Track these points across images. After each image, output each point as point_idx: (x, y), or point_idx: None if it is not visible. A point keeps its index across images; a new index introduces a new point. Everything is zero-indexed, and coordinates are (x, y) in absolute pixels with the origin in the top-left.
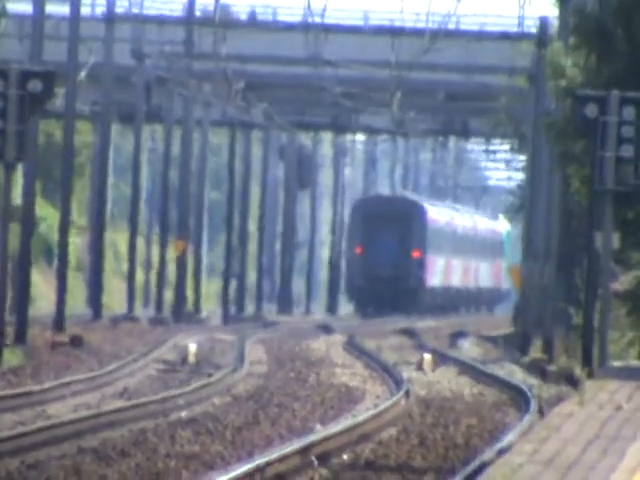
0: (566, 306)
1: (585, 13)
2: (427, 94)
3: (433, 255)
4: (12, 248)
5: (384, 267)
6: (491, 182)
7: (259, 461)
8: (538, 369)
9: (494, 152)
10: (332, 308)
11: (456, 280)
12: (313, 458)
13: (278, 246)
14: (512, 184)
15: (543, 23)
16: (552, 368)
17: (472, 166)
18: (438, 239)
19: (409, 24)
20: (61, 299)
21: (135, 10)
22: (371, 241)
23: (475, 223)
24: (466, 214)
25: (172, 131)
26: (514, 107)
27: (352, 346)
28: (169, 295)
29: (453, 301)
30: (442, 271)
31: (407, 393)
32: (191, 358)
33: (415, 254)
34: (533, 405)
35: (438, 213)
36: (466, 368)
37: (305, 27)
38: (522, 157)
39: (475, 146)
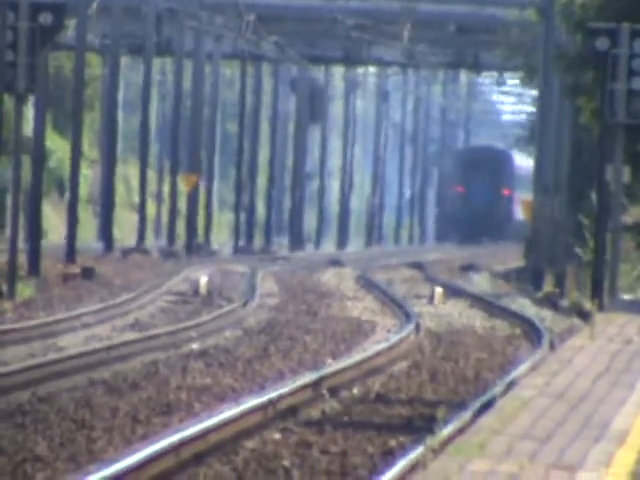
0: (576, 240)
1: None
2: (438, 26)
3: (518, 193)
4: (24, 181)
5: (480, 203)
6: (503, 116)
7: (271, 394)
8: (550, 303)
9: (505, 83)
10: (342, 242)
11: None
12: (324, 391)
13: (288, 179)
14: (522, 117)
15: None
16: (564, 302)
17: (484, 99)
18: (522, 180)
19: None
20: (72, 231)
21: None
22: (470, 182)
23: None
24: None
25: (183, 64)
26: (525, 39)
27: (363, 280)
28: (180, 228)
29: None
30: None
31: (417, 327)
32: (202, 290)
33: (505, 192)
34: (544, 339)
35: (521, 158)
36: (477, 301)
37: None
38: (532, 91)
39: (487, 79)
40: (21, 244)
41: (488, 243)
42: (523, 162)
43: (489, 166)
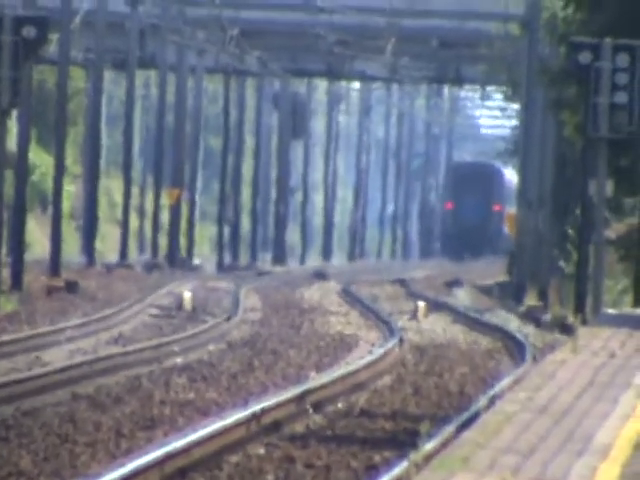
0: (560, 253)
1: None
2: (421, 41)
3: (509, 209)
4: (7, 195)
5: (471, 219)
6: (485, 130)
7: (255, 408)
8: (533, 317)
9: (488, 98)
10: (327, 255)
11: None
12: (308, 406)
13: (272, 194)
14: (506, 131)
15: None
16: (546, 316)
17: (466, 113)
18: (512, 195)
19: None
20: (56, 244)
21: None
22: (461, 198)
23: None
24: None
25: (166, 78)
26: (508, 54)
27: (347, 294)
28: (163, 242)
29: None
30: None
31: (401, 341)
32: (186, 304)
33: (496, 208)
34: (527, 353)
35: (511, 174)
36: (460, 316)
37: None
38: (515, 105)
39: (470, 93)
40: (4, 258)
41: (476, 258)
42: (513, 177)
43: (480, 182)
